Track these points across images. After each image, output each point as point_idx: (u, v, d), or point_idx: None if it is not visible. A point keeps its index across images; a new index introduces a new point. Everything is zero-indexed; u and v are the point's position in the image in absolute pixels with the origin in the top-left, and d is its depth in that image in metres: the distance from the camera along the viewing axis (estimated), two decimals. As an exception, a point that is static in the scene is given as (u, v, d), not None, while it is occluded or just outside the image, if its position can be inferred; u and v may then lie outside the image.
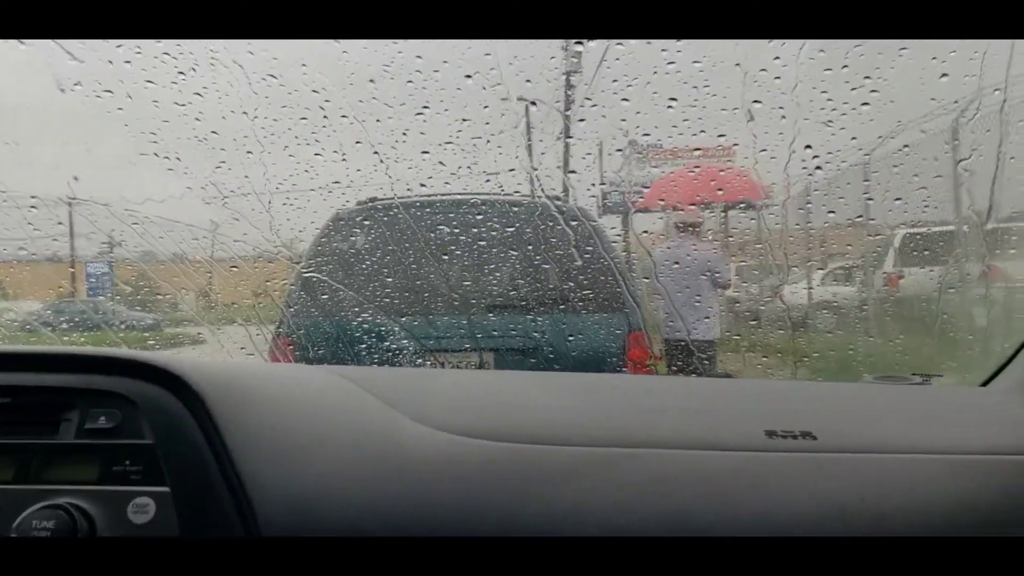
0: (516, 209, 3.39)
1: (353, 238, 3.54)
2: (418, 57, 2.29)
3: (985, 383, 1.52)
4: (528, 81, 2.52)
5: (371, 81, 2.44)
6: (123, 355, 1.07)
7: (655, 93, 2.34)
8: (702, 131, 2.46)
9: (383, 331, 3.14)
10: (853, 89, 2.13)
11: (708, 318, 4.05)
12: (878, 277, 5.38)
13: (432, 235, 3.33)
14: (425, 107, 2.50)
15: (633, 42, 2.07)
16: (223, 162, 2.65)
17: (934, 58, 1.80)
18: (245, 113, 2.46)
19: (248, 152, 2.54)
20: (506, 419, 1.16)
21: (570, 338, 3.28)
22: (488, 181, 3.17)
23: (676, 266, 3.98)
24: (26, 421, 1.03)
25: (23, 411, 1.04)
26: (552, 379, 1.50)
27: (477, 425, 1.11)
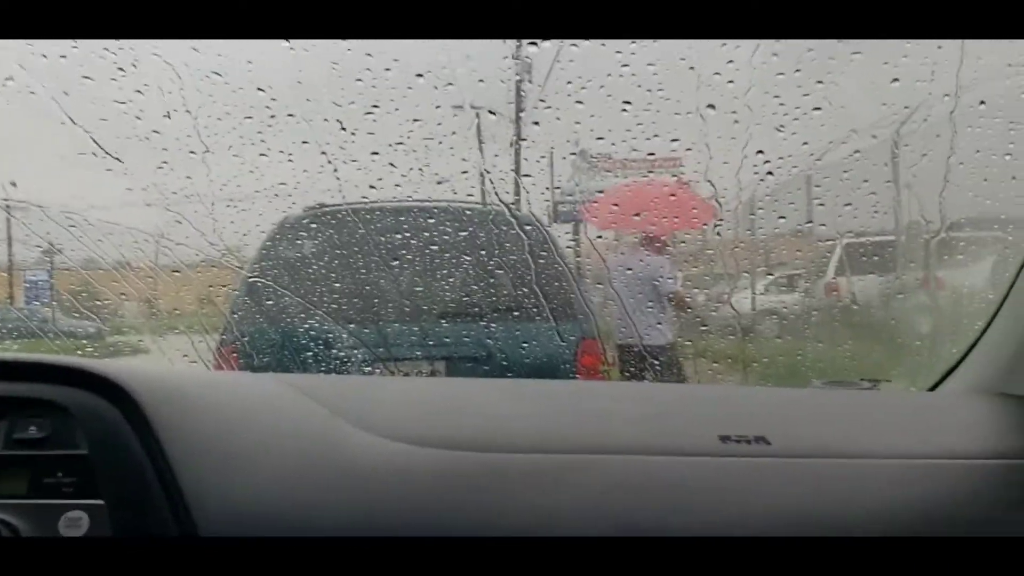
0: (468, 214, 3.37)
1: (300, 243, 3.49)
2: (368, 55, 2.25)
3: (933, 388, 1.54)
4: (481, 81, 2.50)
5: (319, 79, 2.40)
6: (55, 361, 1.02)
7: (609, 96, 2.34)
8: (656, 135, 2.45)
9: (331, 339, 3.09)
10: (805, 94, 2.15)
11: (660, 324, 4.07)
12: (820, 285, 5.47)
13: (382, 239, 3.29)
14: (375, 107, 2.46)
15: (587, 43, 2.06)
16: (165, 162, 2.57)
17: (885, 63, 1.82)
18: (188, 112, 2.39)
19: (191, 152, 2.47)
20: (456, 427, 1.14)
21: (523, 345, 3.27)
22: (440, 184, 3.14)
23: (629, 272, 4.01)
24: None
25: None
26: (503, 386, 1.48)
27: (427, 433, 1.08)
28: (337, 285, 3.26)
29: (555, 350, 3.18)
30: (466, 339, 3.36)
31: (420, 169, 2.94)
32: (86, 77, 2.18)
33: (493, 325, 3.34)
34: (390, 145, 2.61)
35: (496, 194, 2.91)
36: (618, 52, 2.17)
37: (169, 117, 2.38)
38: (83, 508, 0.92)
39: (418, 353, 3.28)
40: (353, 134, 2.50)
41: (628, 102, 2.29)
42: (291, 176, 2.83)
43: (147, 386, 1.02)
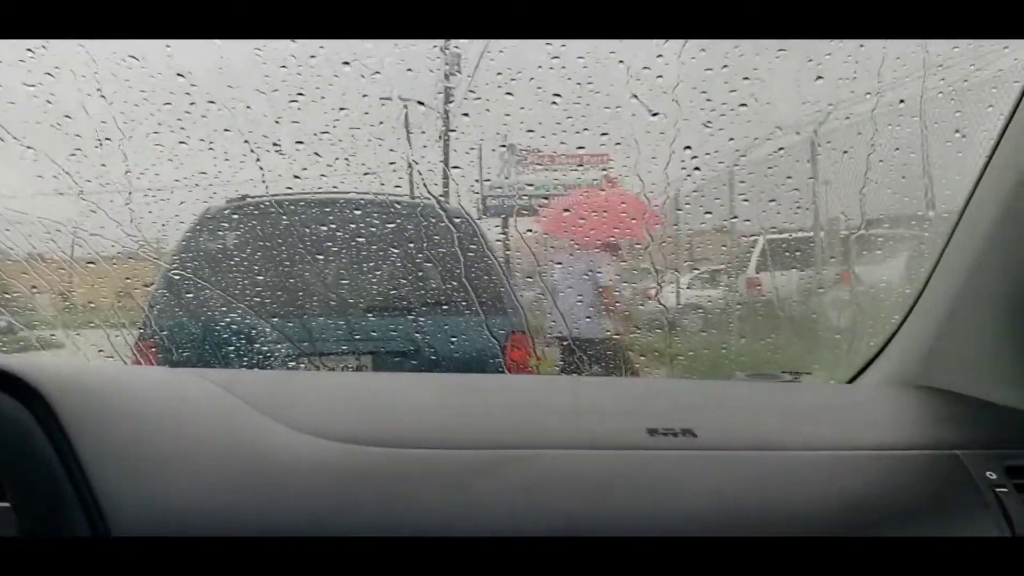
0: (396, 206, 3.34)
1: (223, 235, 3.42)
2: (291, 42, 2.19)
3: (851, 380, 1.58)
4: (410, 70, 2.46)
5: (241, 66, 2.33)
6: None
7: (539, 89, 2.33)
8: (585, 129, 2.46)
9: (254, 333, 3.03)
10: (732, 91, 2.18)
11: (590, 317, 4.12)
12: (743, 280, 5.59)
13: (307, 231, 3.24)
14: (299, 95, 2.40)
15: (517, 37, 2.05)
16: (78, 149, 2.47)
17: (810, 60, 1.86)
18: (103, 97, 2.30)
19: (106, 139, 2.37)
20: (384, 423, 1.11)
21: (452, 339, 3.25)
22: (367, 175, 3.10)
23: (559, 266, 4.05)
24: None
25: None
26: (430, 381, 1.46)
27: (353, 430, 1.05)
28: (260, 278, 3.19)
29: (484, 344, 3.17)
30: (393, 333, 3.34)
31: (346, 160, 2.89)
32: (-9, 58, 2.09)
33: (421, 319, 3.32)
34: (315, 135, 2.55)
35: (425, 186, 2.88)
36: (548, 44, 2.16)
37: (82, 102, 2.29)
38: None
39: (344, 348, 3.24)
40: (277, 123, 2.44)
41: (558, 95, 2.29)
42: (212, 165, 2.75)
43: (58, 383, 0.97)
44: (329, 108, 2.56)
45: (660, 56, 2.02)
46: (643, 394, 1.43)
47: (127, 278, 3.13)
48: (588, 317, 4.10)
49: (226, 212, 3.44)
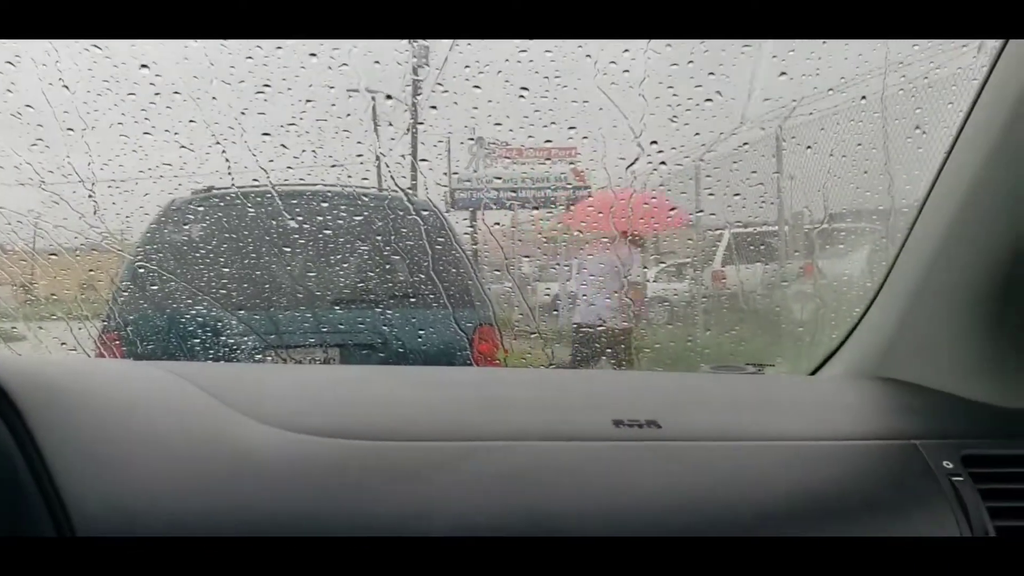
0: (364, 199, 3.33)
1: (188, 227, 3.38)
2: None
3: (814, 372, 1.60)
4: (377, 63, 2.45)
5: (206, 56, 2.30)
6: None
7: (507, 82, 2.33)
8: (553, 123, 2.46)
9: (220, 326, 3.01)
10: (697, 86, 2.19)
11: (593, 305, 4.31)
12: (708, 273, 5.65)
13: (274, 223, 3.21)
14: (266, 86, 2.38)
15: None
16: (40, 139, 2.43)
17: (774, 56, 1.87)
18: (66, 87, 2.26)
19: (69, 129, 2.33)
20: (351, 416, 1.11)
21: (419, 332, 3.25)
22: (334, 167, 3.08)
23: (601, 265, 4.21)
24: None
25: None
26: (398, 373, 1.46)
27: (320, 422, 1.05)
28: (226, 270, 3.17)
29: (451, 337, 3.17)
30: (361, 326, 3.33)
31: (313, 152, 2.88)
32: (-52, 46, 2.04)
33: (389, 312, 3.31)
34: (282, 126, 2.53)
35: (392, 179, 2.87)
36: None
37: (44, 92, 2.25)
38: None
39: (311, 340, 3.22)
40: (243, 114, 2.42)
41: (526, 88, 2.29)
42: (177, 157, 2.72)
43: (20, 376, 0.95)
44: (296, 100, 2.54)
45: (626, 51, 2.03)
46: (609, 386, 1.44)
47: (90, 270, 3.09)
48: (592, 304, 4.25)
49: (192, 204, 3.40)
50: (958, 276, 1.26)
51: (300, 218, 3.18)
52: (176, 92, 2.37)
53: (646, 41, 1.91)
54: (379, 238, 3.26)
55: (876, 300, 1.47)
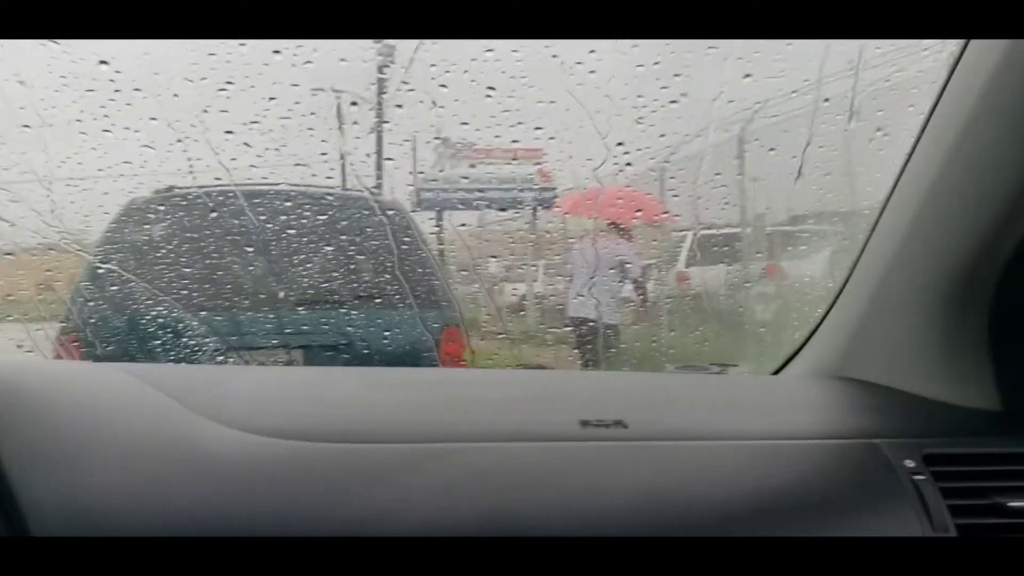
0: (328, 198, 3.30)
1: (149, 227, 3.34)
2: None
3: (776, 372, 1.62)
4: (343, 60, 2.43)
5: (167, 52, 2.26)
6: None
7: (473, 81, 2.32)
8: (520, 123, 2.46)
9: (181, 327, 2.97)
10: (663, 87, 2.20)
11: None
12: (673, 274, 5.69)
13: (236, 223, 3.17)
14: (229, 83, 2.35)
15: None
16: (-6, 136, 2.38)
17: (739, 58, 1.89)
18: (22, 82, 2.22)
19: (25, 126, 2.28)
20: (315, 418, 1.10)
21: (385, 333, 3.23)
22: (299, 166, 3.05)
23: (600, 255, 4.27)
24: None
25: None
26: (363, 375, 1.45)
27: (283, 424, 1.03)
28: (188, 271, 3.13)
29: (417, 338, 3.16)
30: (325, 327, 3.30)
31: (276, 150, 2.85)
32: (-102, 40, 1.98)
33: (354, 313, 3.29)
34: (245, 124, 2.50)
35: (357, 178, 2.86)
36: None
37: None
38: None
39: (274, 341, 3.20)
40: (205, 112, 2.38)
41: (492, 88, 2.29)
42: (138, 155, 2.67)
43: None
44: (259, 97, 2.51)
45: (593, 52, 2.03)
46: (576, 386, 1.44)
47: (48, 270, 3.03)
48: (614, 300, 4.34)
49: (152, 203, 3.36)
50: (919, 277, 1.28)
51: (263, 218, 3.15)
52: (136, 89, 2.33)
53: (612, 42, 1.91)
54: (344, 238, 3.24)
55: (838, 301, 1.48)
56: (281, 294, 3.27)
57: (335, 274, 3.35)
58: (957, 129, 1.14)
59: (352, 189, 3.25)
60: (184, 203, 3.29)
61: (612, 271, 4.42)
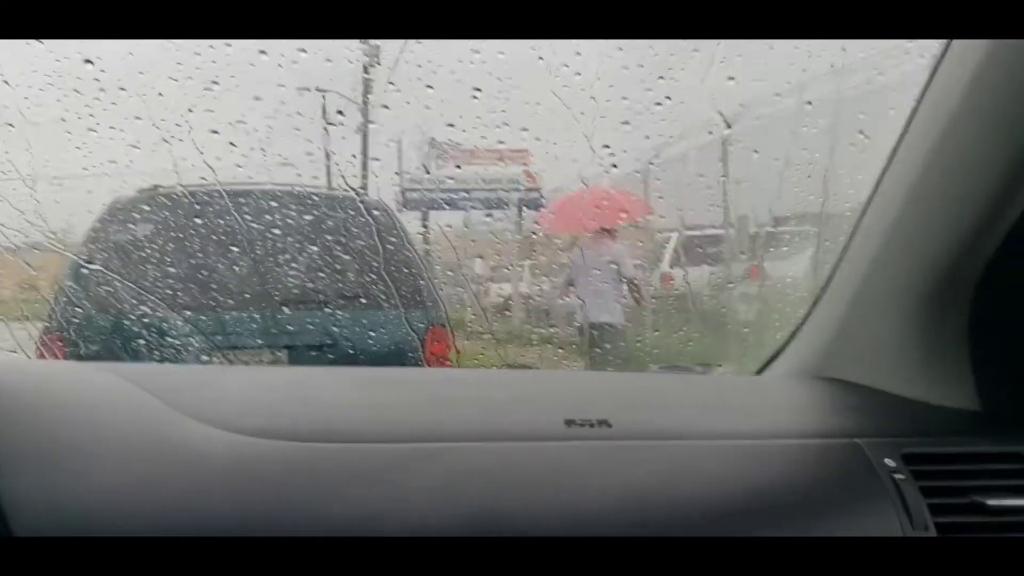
0: (314, 198, 3.29)
1: (133, 226, 3.32)
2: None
3: (759, 372, 1.63)
4: (329, 60, 2.42)
5: (153, 52, 2.25)
6: None
7: (459, 82, 2.32)
8: (505, 124, 2.46)
9: (165, 327, 2.95)
10: (648, 89, 2.21)
11: (617, 303, 4.50)
12: (657, 275, 5.72)
13: (221, 223, 3.16)
14: (214, 83, 2.34)
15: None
16: (-23, 136, 2.36)
17: (722, 61, 1.90)
18: (6, 82, 2.20)
19: (9, 125, 2.27)
20: (301, 417, 1.09)
21: (370, 333, 3.23)
22: (284, 165, 3.05)
23: (596, 260, 4.30)
24: None
25: None
26: (348, 374, 1.45)
27: (267, 424, 1.03)
28: (172, 270, 3.11)
29: (403, 338, 3.16)
30: (310, 327, 3.29)
31: (262, 150, 2.84)
32: None
33: (339, 313, 3.29)
34: (230, 124, 2.49)
35: (343, 178, 2.85)
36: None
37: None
38: None
39: (259, 341, 3.19)
40: (190, 111, 2.37)
41: (478, 89, 2.29)
42: (123, 154, 2.66)
43: None
44: (245, 97, 2.51)
45: (578, 54, 2.04)
46: (561, 386, 1.44)
47: (32, 269, 3.01)
48: (616, 303, 4.43)
49: (137, 202, 3.34)
50: (899, 278, 1.29)
51: (248, 217, 3.14)
52: (122, 88, 2.32)
53: (598, 44, 1.92)
54: (329, 238, 3.23)
55: (820, 302, 1.49)
56: (266, 294, 3.25)
57: (321, 274, 3.34)
58: (937, 131, 1.15)
59: (338, 189, 3.24)
60: (169, 203, 3.27)
61: (609, 273, 4.47)
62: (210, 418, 1.03)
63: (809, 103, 1.92)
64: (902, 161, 1.25)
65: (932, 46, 1.15)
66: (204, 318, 3.10)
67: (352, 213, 3.15)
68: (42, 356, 2.80)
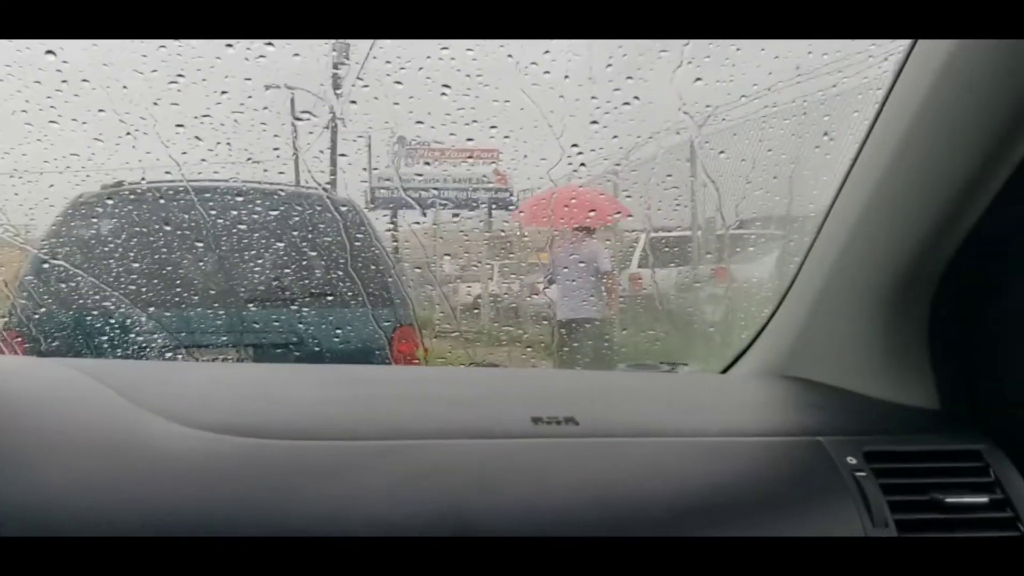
0: (280, 194, 3.27)
1: (96, 222, 3.27)
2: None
3: (724, 370, 1.64)
4: (296, 55, 2.40)
5: (117, 44, 2.21)
6: None
7: (428, 79, 2.31)
8: (475, 121, 2.46)
9: (128, 323, 2.91)
10: (616, 89, 2.22)
11: (595, 299, 4.52)
12: (625, 275, 5.75)
13: (186, 218, 3.12)
14: (180, 76, 2.30)
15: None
16: (-66, 128, 2.30)
17: (689, 62, 1.91)
18: (-38, 72, 2.15)
19: (-34, 117, 2.22)
20: (265, 414, 1.09)
21: (337, 331, 3.21)
22: (250, 160, 3.02)
23: (572, 256, 4.34)
24: None
25: None
26: (314, 372, 1.44)
27: (231, 421, 1.03)
28: (136, 266, 3.07)
29: (370, 336, 3.14)
30: (276, 325, 3.27)
31: (228, 145, 2.80)
32: None
33: (305, 310, 3.26)
34: (195, 118, 2.46)
35: (311, 174, 2.83)
36: (437, 34, 2.14)
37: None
38: None
39: (224, 339, 3.15)
40: (155, 104, 2.34)
41: (447, 86, 2.28)
42: (85, 148, 2.61)
43: None
44: (211, 91, 2.47)
45: (547, 52, 2.04)
46: (528, 384, 1.45)
47: (-10, 265, 2.96)
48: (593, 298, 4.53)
49: (101, 197, 3.29)
50: (862, 279, 1.31)
51: (214, 213, 3.10)
52: (85, 80, 2.28)
53: (566, 43, 1.92)
54: (296, 234, 3.21)
55: (784, 302, 1.51)
56: (232, 291, 3.22)
57: (287, 271, 3.31)
58: (900, 135, 1.17)
59: (305, 185, 3.22)
60: (133, 197, 3.23)
61: (589, 269, 4.51)
62: (174, 415, 1.02)
63: (775, 105, 1.94)
64: (865, 163, 1.27)
65: (896, 49, 1.16)
66: (168, 315, 3.06)
67: (319, 210, 3.13)
68: (2, 352, 2.75)
